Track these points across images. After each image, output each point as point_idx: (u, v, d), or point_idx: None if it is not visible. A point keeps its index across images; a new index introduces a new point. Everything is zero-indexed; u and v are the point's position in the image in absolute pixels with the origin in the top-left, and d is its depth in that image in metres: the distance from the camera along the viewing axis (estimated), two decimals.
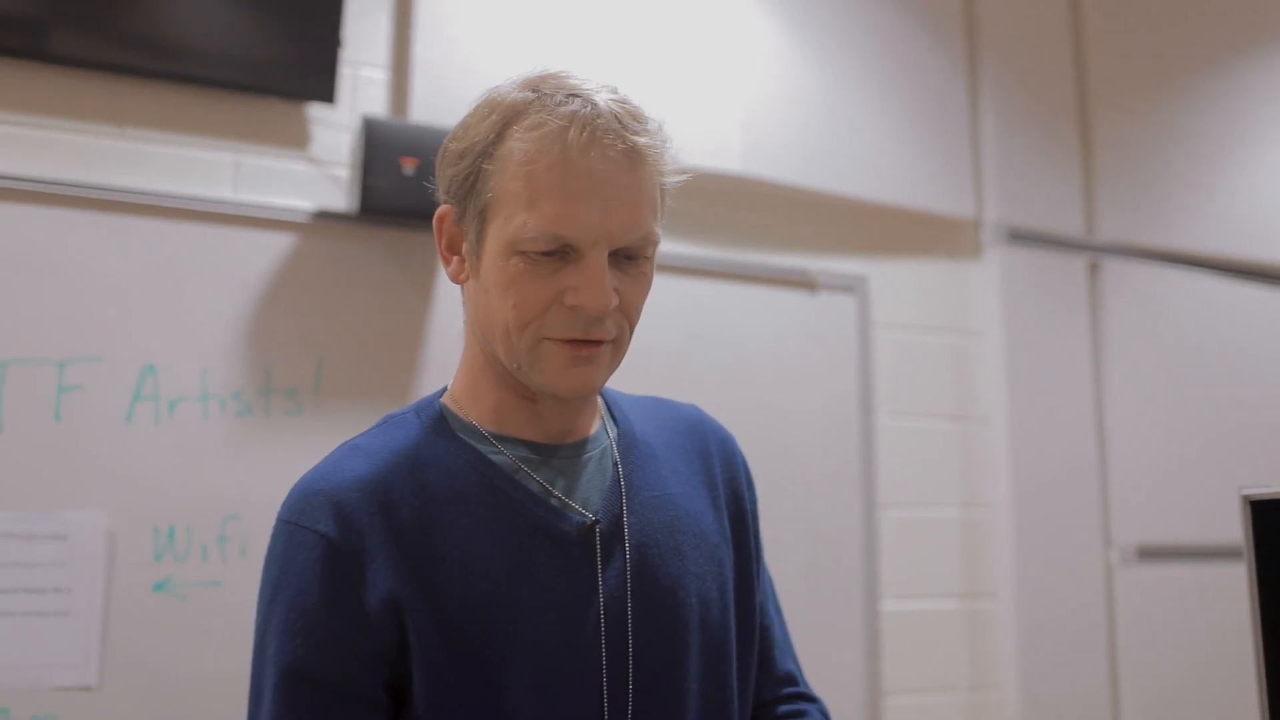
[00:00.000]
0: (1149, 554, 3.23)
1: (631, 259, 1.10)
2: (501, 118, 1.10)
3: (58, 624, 2.16)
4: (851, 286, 3.05)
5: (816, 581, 2.84)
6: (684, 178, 1.16)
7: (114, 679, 2.18)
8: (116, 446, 2.25)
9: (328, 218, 2.46)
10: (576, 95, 1.10)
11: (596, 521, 1.13)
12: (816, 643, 2.55)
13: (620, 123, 1.09)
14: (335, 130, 2.53)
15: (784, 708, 1.30)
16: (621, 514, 1.15)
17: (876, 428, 3.02)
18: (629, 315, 1.12)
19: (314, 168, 2.51)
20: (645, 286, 1.14)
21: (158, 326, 2.31)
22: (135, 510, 2.24)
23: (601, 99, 1.10)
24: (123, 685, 2.18)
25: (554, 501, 1.13)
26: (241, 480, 2.32)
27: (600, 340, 1.10)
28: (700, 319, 2.83)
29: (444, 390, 1.24)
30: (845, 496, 2.93)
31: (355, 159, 2.47)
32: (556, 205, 1.05)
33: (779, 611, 1.36)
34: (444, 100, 2.57)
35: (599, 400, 1.27)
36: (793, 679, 1.33)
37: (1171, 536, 3.29)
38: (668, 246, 2.85)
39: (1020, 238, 3.23)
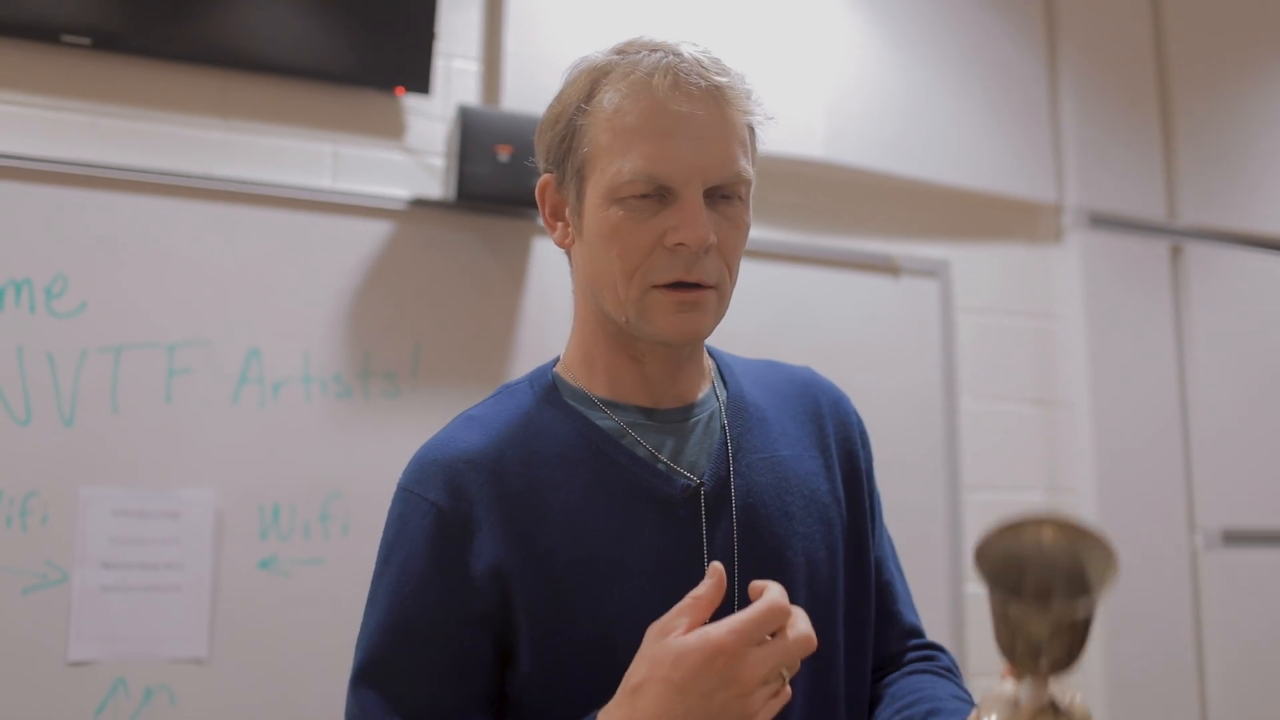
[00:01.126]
0: (1234, 539, 3.21)
1: (726, 199, 1.13)
2: (590, 78, 1.16)
3: (170, 598, 2.24)
4: (934, 271, 3.06)
5: (901, 564, 2.86)
6: (770, 119, 1.19)
7: (223, 652, 2.26)
8: (223, 427, 2.32)
9: (424, 205, 2.52)
10: (658, 49, 1.14)
11: (701, 484, 1.15)
12: None
13: (702, 65, 1.12)
14: (430, 120, 2.59)
15: (912, 654, 1.31)
16: (728, 477, 1.17)
17: (960, 411, 3.04)
18: (728, 261, 1.15)
19: (410, 157, 2.57)
20: (741, 231, 1.16)
21: (261, 311, 2.38)
22: (242, 489, 2.32)
23: (684, 48, 1.14)
24: (232, 658, 2.26)
25: (660, 465, 1.15)
26: (342, 460, 2.38)
27: (702, 283, 1.12)
28: (784, 303, 2.86)
29: (558, 359, 1.27)
30: (929, 480, 2.95)
31: (451, 147, 2.53)
32: (648, 147, 1.09)
33: (899, 568, 1.37)
34: (534, 89, 2.62)
35: (709, 363, 1.28)
36: (917, 631, 1.34)
37: (1257, 521, 3.27)
38: (753, 231, 2.87)
39: (1102, 222, 3.22)
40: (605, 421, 1.18)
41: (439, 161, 2.59)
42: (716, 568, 0.97)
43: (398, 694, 1.09)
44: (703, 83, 1.11)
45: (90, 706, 2.16)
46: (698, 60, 1.13)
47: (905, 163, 3.03)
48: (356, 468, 2.39)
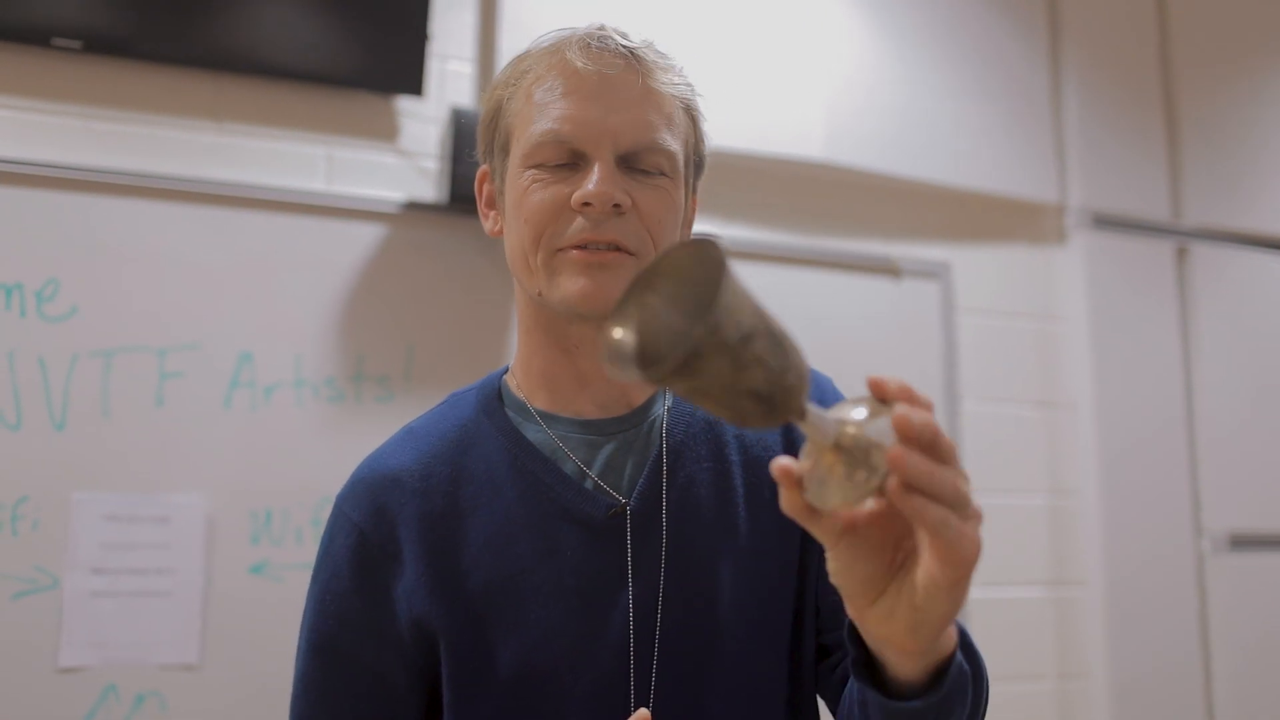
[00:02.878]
0: (1241, 542, 3.18)
1: (647, 174, 1.09)
2: (517, 64, 1.16)
3: (161, 604, 2.23)
4: (935, 272, 3.04)
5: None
6: (698, 107, 1.17)
7: (215, 658, 2.25)
8: (215, 432, 2.31)
9: (417, 208, 2.51)
10: (585, 29, 1.14)
11: (626, 504, 1.10)
12: None
13: (620, 35, 1.12)
14: (423, 122, 2.58)
15: None
16: (661, 493, 1.12)
17: (962, 414, 3.01)
18: (651, 229, 1.08)
19: (403, 159, 2.56)
20: (667, 202, 1.10)
21: (253, 315, 2.37)
22: (233, 494, 2.31)
23: (609, 26, 1.13)
24: (223, 664, 2.25)
25: (587, 484, 1.11)
26: (334, 465, 2.34)
27: (619, 245, 1.07)
28: (784, 306, 2.80)
29: (508, 367, 1.23)
30: None
31: (444, 150, 2.52)
32: (558, 108, 1.08)
33: None
34: None
35: None
36: None
37: (1264, 525, 3.24)
38: (752, 234, 2.86)
39: (1105, 223, 3.19)
40: (538, 435, 1.14)
41: (433, 164, 2.57)
42: (642, 715, 0.90)
43: (327, 714, 1.10)
44: (615, 49, 1.10)
45: (81, 713, 2.15)
46: (615, 31, 1.12)
47: (906, 163, 3.01)
48: (349, 472, 2.36)
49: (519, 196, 1.09)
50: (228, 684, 2.25)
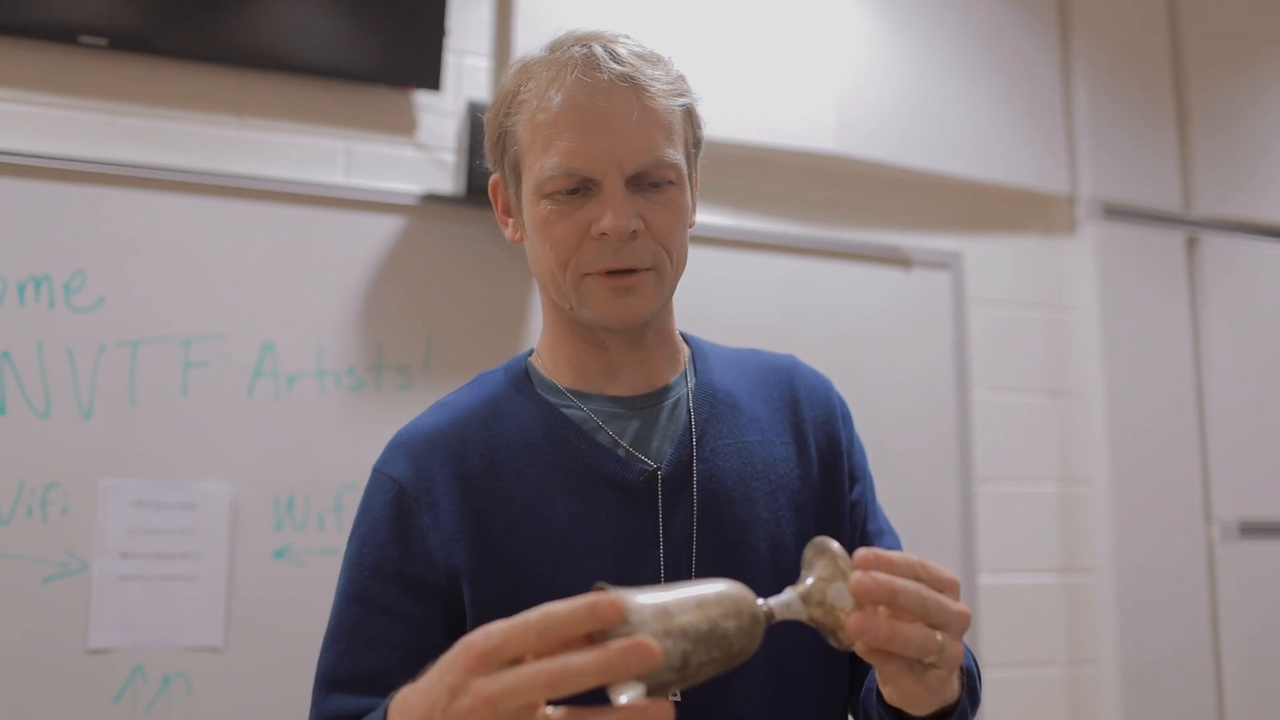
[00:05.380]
0: (1250, 530, 3.20)
1: (655, 186, 1.15)
2: (517, 80, 1.19)
3: (187, 588, 2.29)
4: (946, 263, 3.07)
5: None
6: (694, 100, 1.21)
7: (239, 640, 2.30)
8: (239, 420, 2.37)
9: (435, 200, 2.55)
10: (581, 41, 1.16)
11: (658, 470, 1.17)
12: None
13: (613, 57, 1.14)
14: (441, 116, 2.62)
15: None
16: (690, 462, 1.18)
17: (973, 403, 3.04)
18: (663, 243, 1.16)
19: (421, 153, 2.60)
20: (676, 213, 1.17)
21: (276, 306, 2.42)
22: (257, 481, 2.36)
23: (601, 41, 1.16)
24: (248, 646, 2.30)
25: (620, 452, 1.18)
26: (355, 452, 2.41)
27: (635, 268, 1.14)
28: (797, 296, 2.87)
29: (533, 350, 1.30)
30: (942, 471, 2.96)
31: (461, 143, 2.56)
32: (565, 142, 1.12)
33: (899, 546, 1.34)
34: None
35: (684, 350, 1.30)
36: None
37: (1274, 513, 3.25)
38: (764, 225, 2.90)
39: (1116, 213, 3.21)
40: (570, 410, 1.21)
41: (450, 157, 2.62)
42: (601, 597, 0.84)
43: (354, 660, 1.13)
44: (608, 74, 1.13)
45: (109, 693, 2.20)
46: (609, 52, 1.15)
47: (917, 155, 3.03)
48: (370, 459, 2.39)
49: (539, 224, 1.16)
50: (251, 665, 2.30)
